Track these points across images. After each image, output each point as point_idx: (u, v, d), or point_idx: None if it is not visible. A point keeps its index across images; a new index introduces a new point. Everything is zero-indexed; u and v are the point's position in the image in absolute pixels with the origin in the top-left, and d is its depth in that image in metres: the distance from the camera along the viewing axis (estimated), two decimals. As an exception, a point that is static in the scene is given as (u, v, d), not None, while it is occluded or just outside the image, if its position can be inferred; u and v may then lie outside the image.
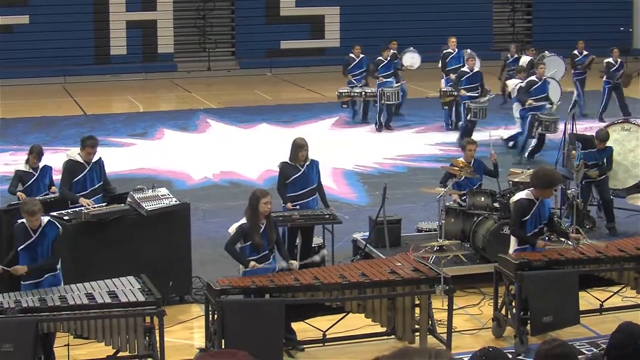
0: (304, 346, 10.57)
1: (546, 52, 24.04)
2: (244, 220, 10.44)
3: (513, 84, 20.42)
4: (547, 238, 11.45)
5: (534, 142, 19.15)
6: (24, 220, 10.07)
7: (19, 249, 10.01)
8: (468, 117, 20.26)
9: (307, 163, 12.49)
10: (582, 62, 23.66)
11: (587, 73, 23.89)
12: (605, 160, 14.49)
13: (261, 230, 10.37)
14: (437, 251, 12.01)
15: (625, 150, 15.04)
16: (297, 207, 12.38)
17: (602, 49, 30.70)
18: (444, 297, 10.49)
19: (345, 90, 23.09)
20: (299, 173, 12.46)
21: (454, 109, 22.10)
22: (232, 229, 10.51)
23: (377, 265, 10.61)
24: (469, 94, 20.49)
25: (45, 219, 10.14)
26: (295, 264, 10.52)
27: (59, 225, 10.39)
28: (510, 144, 19.95)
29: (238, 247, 10.40)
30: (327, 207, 12.56)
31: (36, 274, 10.04)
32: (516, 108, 19.72)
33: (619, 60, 23.12)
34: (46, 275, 10.08)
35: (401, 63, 24.49)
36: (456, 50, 22.62)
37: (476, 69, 21.01)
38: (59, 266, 10.23)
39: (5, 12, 29.52)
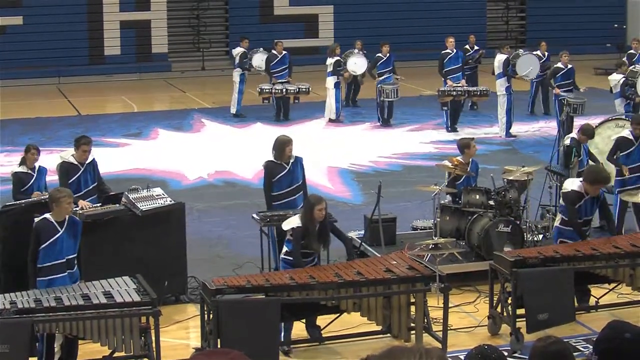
0: (301, 345, 10.58)
1: (520, 50, 23.83)
2: (295, 223, 10.54)
3: (615, 79, 19.71)
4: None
5: None
6: (45, 216, 10.04)
7: (46, 244, 9.91)
8: (568, 113, 19.92)
9: (292, 160, 12.53)
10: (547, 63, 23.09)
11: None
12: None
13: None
14: (432, 249, 12.00)
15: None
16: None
17: (596, 46, 30.81)
18: (439, 295, 10.48)
19: (267, 87, 23.05)
20: (285, 171, 12.48)
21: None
22: (286, 227, 10.72)
23: (373, 263, 10.62)
24: (564, 89, 20.22)
25: None
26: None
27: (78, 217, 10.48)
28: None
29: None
30: None
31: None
32: (619, 103, 19.50)
33: (475, 46, 24.19)
34: (68, 271, 10.05)
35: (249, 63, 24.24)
36: (454, 50, 21.82)
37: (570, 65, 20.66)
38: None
39: (-1, 13, 29.48)
